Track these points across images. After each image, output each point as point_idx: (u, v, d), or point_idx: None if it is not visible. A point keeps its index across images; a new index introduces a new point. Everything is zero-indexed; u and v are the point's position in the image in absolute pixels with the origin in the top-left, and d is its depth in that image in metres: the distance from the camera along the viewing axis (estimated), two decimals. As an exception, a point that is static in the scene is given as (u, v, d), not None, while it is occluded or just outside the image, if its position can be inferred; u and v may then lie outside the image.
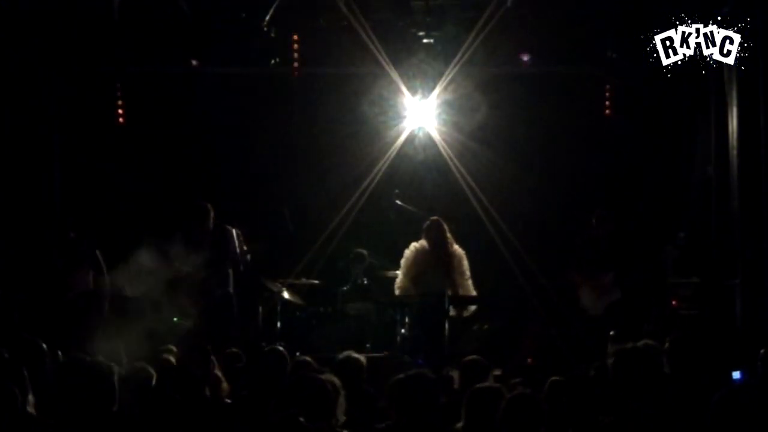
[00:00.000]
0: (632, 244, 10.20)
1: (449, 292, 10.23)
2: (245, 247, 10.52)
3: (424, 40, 11.10)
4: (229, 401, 6.88)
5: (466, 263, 10.46)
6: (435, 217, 10.58)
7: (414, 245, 10.52)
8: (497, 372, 7.21)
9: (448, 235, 10.49)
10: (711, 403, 4.63)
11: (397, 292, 10.45)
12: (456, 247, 10.49)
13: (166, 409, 6.00)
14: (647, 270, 10.30)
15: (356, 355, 7.24)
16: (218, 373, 7.19)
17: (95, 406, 5.79)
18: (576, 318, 10.29)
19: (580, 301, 10.19)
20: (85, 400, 5.82)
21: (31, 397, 5.88)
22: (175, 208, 10.95)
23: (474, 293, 10.43)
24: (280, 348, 7.12)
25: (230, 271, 10.32)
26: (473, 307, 10.49)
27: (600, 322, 9.75)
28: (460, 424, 5.45)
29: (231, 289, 10.31)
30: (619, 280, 9.97)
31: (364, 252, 11.19)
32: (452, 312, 10.19)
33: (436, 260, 10.40)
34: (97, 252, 10.15)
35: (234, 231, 10.39)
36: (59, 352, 7.53)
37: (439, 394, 5.90)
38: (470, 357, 7.29)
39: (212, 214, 10.30)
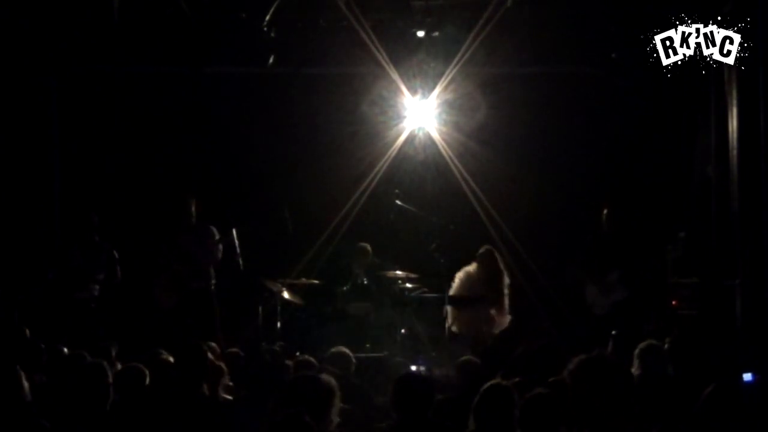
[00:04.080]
0: (640, 242, 10.16)
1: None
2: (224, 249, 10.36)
3: (424, 41, 11.09)
4: (230, 398, 6.89)
5: (507, 300, 10.35)
6: (489, 247, 10.42)
7: (467, 271, 10.37)
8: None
9: (502, 266, 10.36)
10: (702, 399, 4.64)
11: (452, 327, 10.21)
12: (507, 281, 10.35)
13: (162, 408, 6.01)
14: (654, 269, 10.28)
15: (344, 350, 7.34)
16: (221, 364, 7.11)
17: (90, 403, 5.83)
18: (580, 317, 10.27)
19: (585, 299, 10.15)
20: (82, 396, 5.87)
21: (27, 392, 5.93)
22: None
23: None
24: (278, 348, 7.14)
25: (210, 268, 10.13)
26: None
27: (605, 320, 9.72)
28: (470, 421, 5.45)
29: (212, 285, 10.12)
30: (626, 279, 9.93)
31: (367, 246, 11.16)
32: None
33: (487, 293, 10.24)
34: (115, 253, 10.19)
35: (231, 231, 10.30)
36: (64, 349, 7.58)
37: (437, 393, 5.91)
38: (465, 357, 7.31)
39: (193, 206, 10.14)
